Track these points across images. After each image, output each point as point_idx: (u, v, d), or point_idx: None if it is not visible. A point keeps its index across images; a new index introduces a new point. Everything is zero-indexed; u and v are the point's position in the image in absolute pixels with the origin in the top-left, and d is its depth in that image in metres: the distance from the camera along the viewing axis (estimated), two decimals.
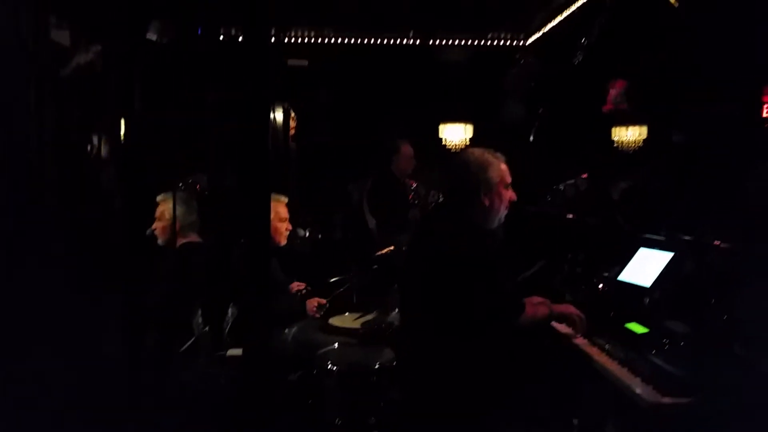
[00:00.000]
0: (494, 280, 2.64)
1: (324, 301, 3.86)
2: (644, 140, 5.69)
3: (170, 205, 3.51)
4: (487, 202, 2.75)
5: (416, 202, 5.59)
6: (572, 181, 5.19)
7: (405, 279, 2.95)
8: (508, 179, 2.82)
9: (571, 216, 3.38)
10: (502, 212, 2.83)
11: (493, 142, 5.54)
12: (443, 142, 6.04)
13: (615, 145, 5.77)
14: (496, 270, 2.67)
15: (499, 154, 2.82)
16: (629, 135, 5.73)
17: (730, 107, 5.47)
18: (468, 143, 6.02)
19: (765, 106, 5.94)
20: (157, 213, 3.60)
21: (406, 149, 5.41)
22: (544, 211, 3.41)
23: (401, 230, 5.25)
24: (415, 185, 5.59)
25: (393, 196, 5.46)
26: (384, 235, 5.23)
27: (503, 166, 2.80)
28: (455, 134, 5.99)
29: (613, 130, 5.75)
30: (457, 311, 2.59)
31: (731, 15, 4.22)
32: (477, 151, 2.80)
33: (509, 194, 2.82)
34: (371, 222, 5.46)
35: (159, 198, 3.58)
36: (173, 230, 3.46)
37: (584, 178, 5.33)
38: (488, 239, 2.75)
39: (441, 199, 5.63)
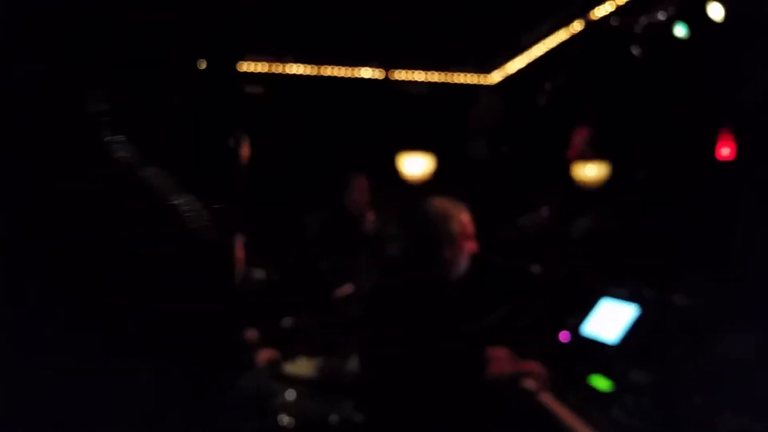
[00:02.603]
0: (456, 336, 2.58)
1: (277, 355, 3.73)
2: (606, 178, 5.70)
3: None
4: (448, 255, 2.69)
5: (373, 234, 5.48)
6: (534, 214, 5.19)
7: (368, 331, 2.86)
8: (470, 230, 2.75)
9: (535, 270, 3.33)
10: (464, 264, 2.77)
11: (454, 174, 5.53)
12: (403, 174, 5.97)
13: (576, 182, 5.77)
14: (459, 325, 2.61)
15: (461, 205, 2.75)
16: (590, 173, 5.74)
17: (689, 147, 5.55)
18: (429, 175, 5.96)
19: (720, 147, 6.05)
20: None
21: (359, 182, 5.27)
22: (510, 264, 3.35)
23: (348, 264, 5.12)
24: (372, 218, 5.48)
25: (346, 232, 5.32)
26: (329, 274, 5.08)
27: (465, 217, 2.74)
28: (416, 166, 5.92)
29: (573, 166, 5.76)
30: (419, 367, 2.51)
31: (690, 59, 4.27)
32: (438, 202, 2.73)
33: (471, 246, 2.75)
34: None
35: None
36: None
37: (544, 213, 5.32)
38: (449, 292, 2.68)
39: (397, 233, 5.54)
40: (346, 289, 4.19)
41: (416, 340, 2.52)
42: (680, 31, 3.29)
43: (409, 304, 2.58)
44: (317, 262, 5.29)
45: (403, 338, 2.54)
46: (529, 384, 2.84)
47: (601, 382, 2.77)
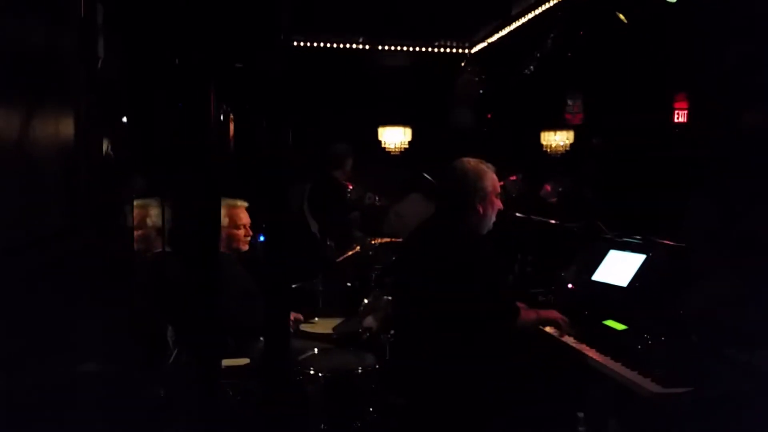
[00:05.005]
0: (493, 283, 2.79)
1: (301, 317, 3.87)
2: (571, 145, 6.04)
3: (151, 211, 3.39)
4: (481, 210, 2.90)
5: (352, 204, 5.65)
6: (502, 183, 5.45)
7: (402, 285, 3.03)
8: (498, 189, 2.98)
9: (553, 221, 3.58)
10: (493, 219, 2.99)
11: (434, 146, 5.71)
12: (382, 145, 6.13)
13: (544, 149, 6.08)
14: (494, 274, 2.82)
15: (490, 165, 2.96)
16: (557, 139, 6.06)
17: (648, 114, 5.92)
18: (407, 146, 6.13)
19: (676, 112, 6.49)
20: (136, 220, 3.44)
21: (350, 158, 5.49)
22: (530, 218, 3.58)
23: (343, 232, 5.32)
24: (351, 187, 5.65)
25: (335, 200, 5.50)
26: (326, 238, 5.26)
27: (494, 176, 2.96)
28: (394, 137, 6.08)
29: (542, 134, 6.06)
30: (458, 314, 2.72)
31: (645, 32, 4.56)
32: (472, 161, 2.93)
33: (498, 203, 2.98)
34: (314, 226, 5.47)
35: (138, 203, 3.43)
36: (156, 238, 3.36)
37: (513, 180, 5.60)
38: (484, 244, 2.89)
39: (378, 201, 5.74)
40: (353, 251, 4.34)
41: (455, 290, 2.72)
42: None
43: (449, 255, 2.77)
44: (302, 229, 5.42)
45: (442, 288, 2.73)
46: (550, 330, 3.10)
47: (615, 324, 3.04)
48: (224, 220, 3.85)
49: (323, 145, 5.54)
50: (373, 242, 4.19)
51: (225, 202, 3.87)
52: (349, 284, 4.43)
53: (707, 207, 3.61)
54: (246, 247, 3.99)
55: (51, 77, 1.62)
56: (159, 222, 3.45)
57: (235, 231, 3.87)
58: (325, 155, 5.50)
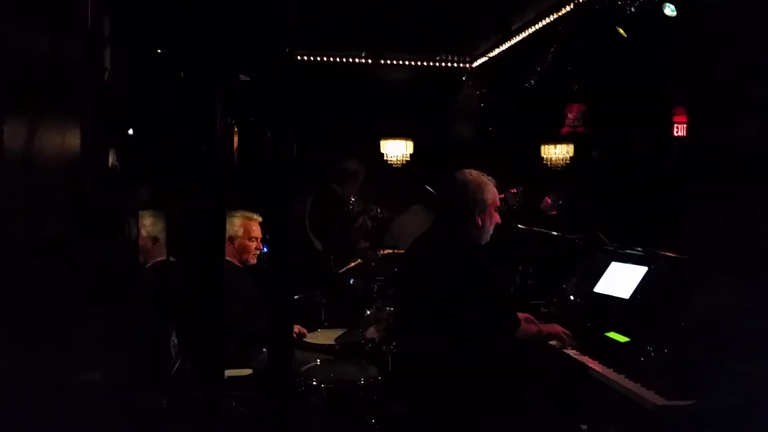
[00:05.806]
0: (491, 292, 2.80)
1: (305, 331, 3.89)
2: (571, 158, 6.06)
3: (146, 221, 3.42)
4: (480, 222, 2.93)
5: (354, 215, 5.67)
6: (502, 195, 5.48)
7: (402, 295, 3.05)
8: (498, 202, 3.01)
9: (555, 233, 3.61)
10: (491, 231, 3.01)
11: (435, 158, 5.75)
12: (384, 158, 6.16)
13: (544, 162, 6.11)
14: (494, 284, 2.84)
15: (491, 178, 2.99)
16: (557, 152, 6.09)
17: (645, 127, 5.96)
18: (408, 159, 6.16)
19: (675, 126, 6.54)
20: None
21: (361, 173, 5.54)
22: (531, 229, 3.61)
23: (344, 244, 5.34)
24: (354, 199, 5.67)
25: (333, 213, 5.52)
26: (330, 252, 5.27)
27: (495, 190, 2.99)
28: (396, 150, 6.11)
29: (542, 147, 6.09)
30: (457, 322, 2.73)
31: (644, 45, 4.60)
32: (474, 173, 2.96)
33: (497, 217, 3.01)
34: (317, 243, 5.48)
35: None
36: (153, 248, 3.39)
37: (513, 193, 5.61)
38: (482, 253, 2.91)
39: (381, 213, 5.76)
40: (354, 263, 4.36)
41: (456, 298, 2.73)
42: (669, 10, 3.57)
43: (443, 262, 2.80)
44: (303, 243, 5.44)
45: (443, 297, 2.75)
46: (553, 342, 3.11)
47: (618, 336, 3.05)
48: (239, 231, 3.90)
49: (326, 157, 5.58)
50: (375, 253, 4.21)
51: (242, 214, 3.93)
52: (352, 286, 4.43)
53: (707, 215, 3.64)
54: (254, 260, 4.03)
55: (57, 88, 1.61)
56: (154, 232, 3.50)
57: (248, 243, 3.92)
58: (331, 169, 5.55)
